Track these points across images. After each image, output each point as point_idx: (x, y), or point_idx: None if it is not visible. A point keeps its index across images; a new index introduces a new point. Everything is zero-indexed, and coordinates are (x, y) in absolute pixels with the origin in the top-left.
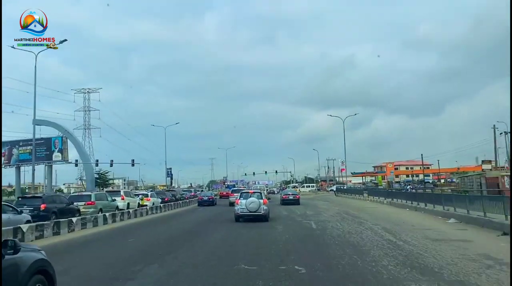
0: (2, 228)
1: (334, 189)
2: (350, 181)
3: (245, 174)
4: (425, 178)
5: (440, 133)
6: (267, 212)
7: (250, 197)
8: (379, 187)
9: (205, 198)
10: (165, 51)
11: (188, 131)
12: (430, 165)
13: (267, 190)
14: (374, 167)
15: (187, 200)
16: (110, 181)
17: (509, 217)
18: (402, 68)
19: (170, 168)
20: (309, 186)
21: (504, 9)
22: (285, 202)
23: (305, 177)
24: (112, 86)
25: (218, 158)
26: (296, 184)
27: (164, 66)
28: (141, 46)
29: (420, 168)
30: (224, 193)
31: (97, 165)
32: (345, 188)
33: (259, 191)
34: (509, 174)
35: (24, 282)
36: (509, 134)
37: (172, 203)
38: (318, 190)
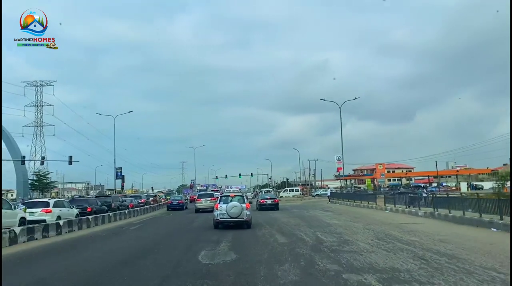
0: None
1: (328, 194)
2: (327, 186)
3: (217, 177)
4: (411, 182)
5: (409, 140)
6: (250, 217)
7: (231, 201)
8: (369, 191)
9: (175, 202)
10: (135, 53)
11: (159, 136)
12: (413, 168)
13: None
14: (353, 170)
15: (132, 209)
16: (52, 184)
17: None
18: (374, 74)
19: (120, 168)
20: (292, 190)
21: (474, 19)
22: (262, 207)
23: (286, 179)
24: (79, 88)
25: (190, 162)
26: (269, 189)
27: (135, 68)
28: (111, 48)
29: (402, 171)
30: (194, 197)
31: (42, 163)
32: (342, 192)
33: (241, 194)
34: None
35: None
36: (509, 134)
37: (100, 215)
38: (303, 194)
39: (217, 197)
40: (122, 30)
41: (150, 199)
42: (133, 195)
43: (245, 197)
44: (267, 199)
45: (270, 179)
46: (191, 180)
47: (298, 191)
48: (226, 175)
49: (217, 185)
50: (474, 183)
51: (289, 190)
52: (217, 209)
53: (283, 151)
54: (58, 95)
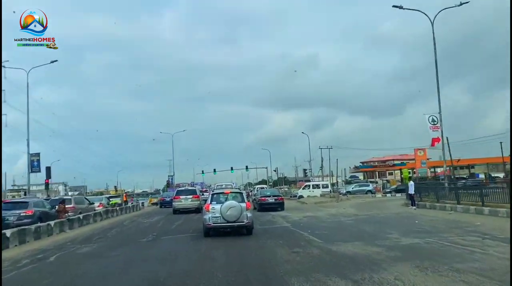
0: None
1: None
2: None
3: (202, 172)
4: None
5: (400, 133)
6: (252, 220)
7: (226, 199)
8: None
9: (168, 199)
10: (118, 49)
11: (145, 135)
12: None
13: None
14: (361, 162)
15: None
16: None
17: None
18: (364, 68)
19: (38, 155)
20: (317, 186)
21: (467, 9)
22: (264, 206)
23: (282, 175)
24: (60, 87)
25: (178, 162)
26: (264, 186)
27: (117, 65)
28: (93, 44)
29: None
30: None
31: None
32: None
33: (238, 190)
34: None
35: None
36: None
37: None
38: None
39: (202, 194)
40: (105, 26)
41: (98, 203)
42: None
43: (244, 194)
44: (269, 196)
45: (275, 170)
46: (169, 176)
47: (327, 187)
48: (214, 169)
49: (205, 183)
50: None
51: (313, 185)
52: (208, 211)
53: (272, 148)
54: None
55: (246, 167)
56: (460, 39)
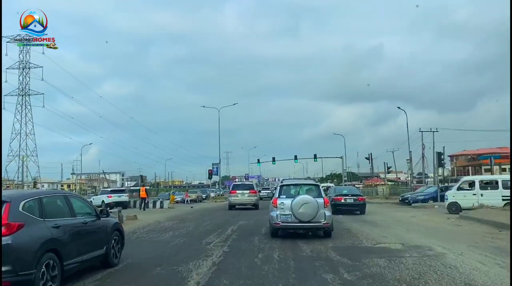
0: None
1: None
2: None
3: (258, 161)
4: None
5: (469, 131)
6: (331, 221)
7: (298, 194)
8: None
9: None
10: (182, 43)
11: (205, 128)
12: None
13: None
14: (450, 155)
15: None
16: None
17: None
18: (433, 59)
19: None
20: (492, 185)
21: None
22: (339, 208)
23: (348, 170)
24: (128, 80)
25: (236, 155)
26: (331, 184)
27: (181, 59)
28: (158, 39)
29: None
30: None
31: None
32: None
33: (314, 182)
34: None
35: (109, 234)
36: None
37: None
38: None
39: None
40: (168, 20)
41: None
42: None
43: (320, 188)
44: (346, 196)
45: (366, 161)
46: (213, 165)
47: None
48: (273, 158)
49: (261, 176)
50: None
51: (485, 183)
52: (275, 207)
53: (332, 142)
54: (107, 88)
55: (315, 155)
56: None
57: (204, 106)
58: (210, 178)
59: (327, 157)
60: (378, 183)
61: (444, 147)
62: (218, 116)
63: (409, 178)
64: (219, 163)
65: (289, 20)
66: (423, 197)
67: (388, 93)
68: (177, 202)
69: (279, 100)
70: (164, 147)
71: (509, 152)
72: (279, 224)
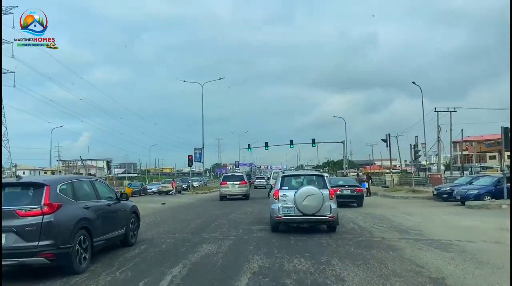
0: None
1: None
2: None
3: (249, 146)
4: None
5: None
6: (336, 214)
7: (302, 185)
8: None
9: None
10: (174, 30)
11: (196, 114)
12: None
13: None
14: (453, 142)
15: None
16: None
17: None
18: (427, 46)
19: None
20: None
21: None
22: (339, 202)
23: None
24: (119, 67)
25: (227, 143)
26: (321, 170)
27: (173, 46)
28: (149, 25)
29: None
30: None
31: None
32: None
33: (317, 172)
34: None
35: (128, 215)
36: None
37: None
38: None
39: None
40: (161, 6)
41: None
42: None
43: (326, 179)
44: (343, 187)
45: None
46: (195, 150)
47: None
48: (266, 143)
49: (253, 164)
50: None
51: None
52: (277, 200)
53: (327, 129)
54: (98, 74)
55: (313, 140)
56: None
57: (185, 81)
58: (190, 165)
59: (326, 142)
60: (381, 171)
61: (462, 130)
62: (208, 101)
63: (437, 165)
64: (203, 148)
65: (283, 7)
66: (476, 191)
67: (381, 82)
68: (140, 194)
69: (272, 88)
70: (154, 134)
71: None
72: (281, 217)
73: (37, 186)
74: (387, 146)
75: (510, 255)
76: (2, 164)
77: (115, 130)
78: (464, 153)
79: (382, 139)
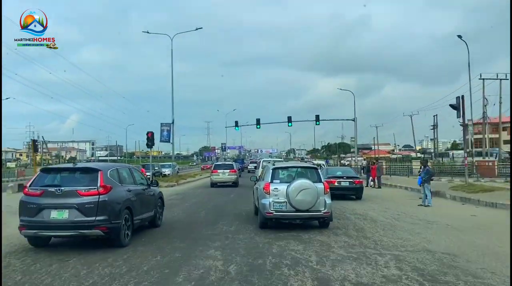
0: None
1: None
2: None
3: (236, 124)
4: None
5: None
6: (331, 210)
7: (295, 178)
8: None
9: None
10: (162, 9)
11: (187, 97)
12: None
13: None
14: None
15: None
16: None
17: None
18: (421, 29)
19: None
20: None
21: None
22: (332, 192)
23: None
24: (107, 47)
25: (217, 125)
26: (320, 161)
27: (162, 26)
28: (138, 3)
29: None
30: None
31: None
32: None
33: (312, 164)
34: None
35: (156, 199)
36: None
37: None
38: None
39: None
40: None
41: None
42: None
43: (319, 170)
44: (341, 178)
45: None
46: (162, 126)
47: None
48: (257, 120)
49: (243, 147)
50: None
51: None
52: (268, 194)
53: (313, 115)
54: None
55: (317, 117)
56: None
57: (148, 32)
58: (150, 145)
59: (334, 119)
60: (387, 156)
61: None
62: (198, 83)
63: (471, 148)
64: (172, 123)
65: None
66: None
67: (373, 66)
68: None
69: (264, 70)
70: (141, 116)
71: None
72: (272, 213)
73: (92, 171)
74: (458, 116)
75: (510, 255)
76: None
77: (97, 112)
78: (476, 136)
79: (450, 105)
